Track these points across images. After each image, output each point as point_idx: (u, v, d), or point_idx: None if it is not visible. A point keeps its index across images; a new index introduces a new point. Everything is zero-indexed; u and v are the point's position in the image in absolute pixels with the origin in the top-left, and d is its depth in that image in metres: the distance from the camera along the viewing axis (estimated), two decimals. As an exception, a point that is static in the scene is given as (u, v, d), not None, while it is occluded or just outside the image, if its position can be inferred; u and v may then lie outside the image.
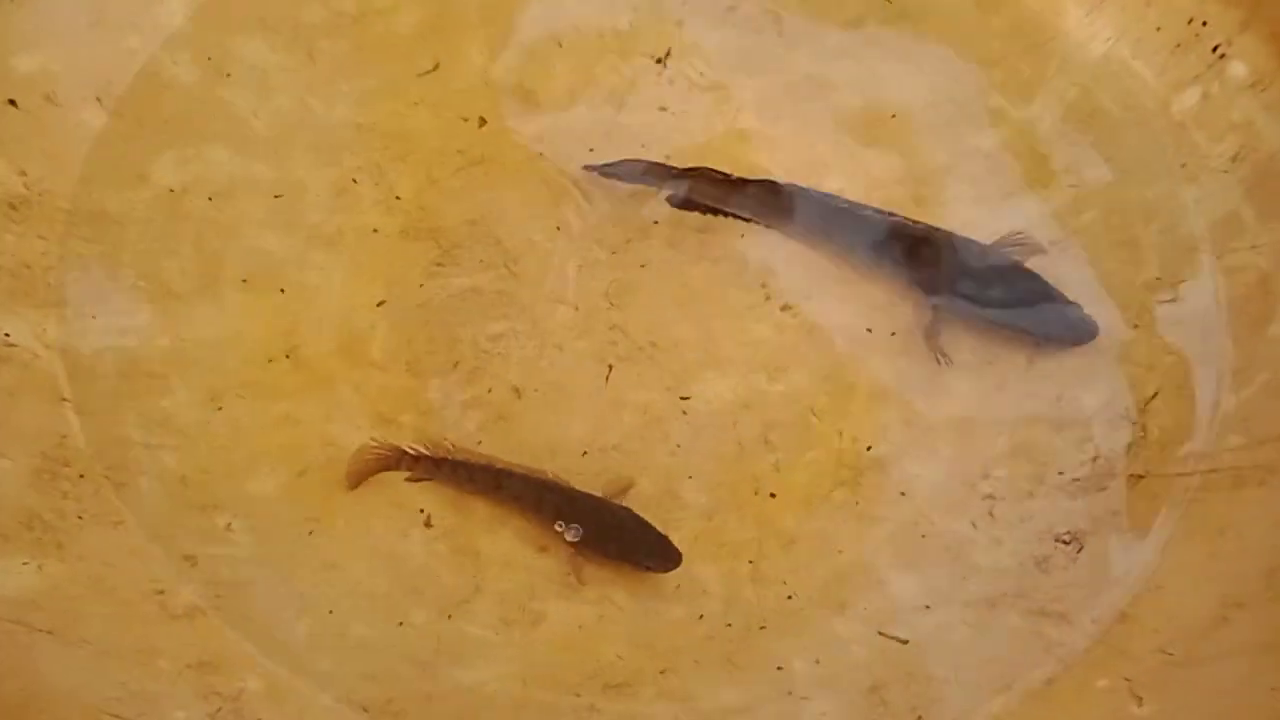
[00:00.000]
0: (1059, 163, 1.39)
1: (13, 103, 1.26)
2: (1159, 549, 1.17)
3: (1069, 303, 1.27)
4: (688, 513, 1.20)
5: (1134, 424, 1.24)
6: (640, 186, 1.34)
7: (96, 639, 1.05)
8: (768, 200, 1.33)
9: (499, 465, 1.18)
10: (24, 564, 1.07)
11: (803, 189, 1.33)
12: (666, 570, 1.14)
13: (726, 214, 1.34)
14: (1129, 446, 1.23)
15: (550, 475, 1.18)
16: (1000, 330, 1.27)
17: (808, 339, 1.29)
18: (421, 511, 1.20)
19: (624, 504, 1.18)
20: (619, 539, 1.15)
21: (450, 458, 1.18)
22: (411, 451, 1.19)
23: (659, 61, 1.42)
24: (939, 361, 1.27)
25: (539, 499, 1.17)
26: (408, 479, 1.20)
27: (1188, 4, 1.37)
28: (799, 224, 1.33)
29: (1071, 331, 1.26)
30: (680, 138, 1.38)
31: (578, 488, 1.18)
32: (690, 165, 1.33)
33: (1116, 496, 1.20)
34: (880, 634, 1.15)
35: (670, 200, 1.33)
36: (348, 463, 1.19)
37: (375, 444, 1.19)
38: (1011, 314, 1.27)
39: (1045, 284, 1.28)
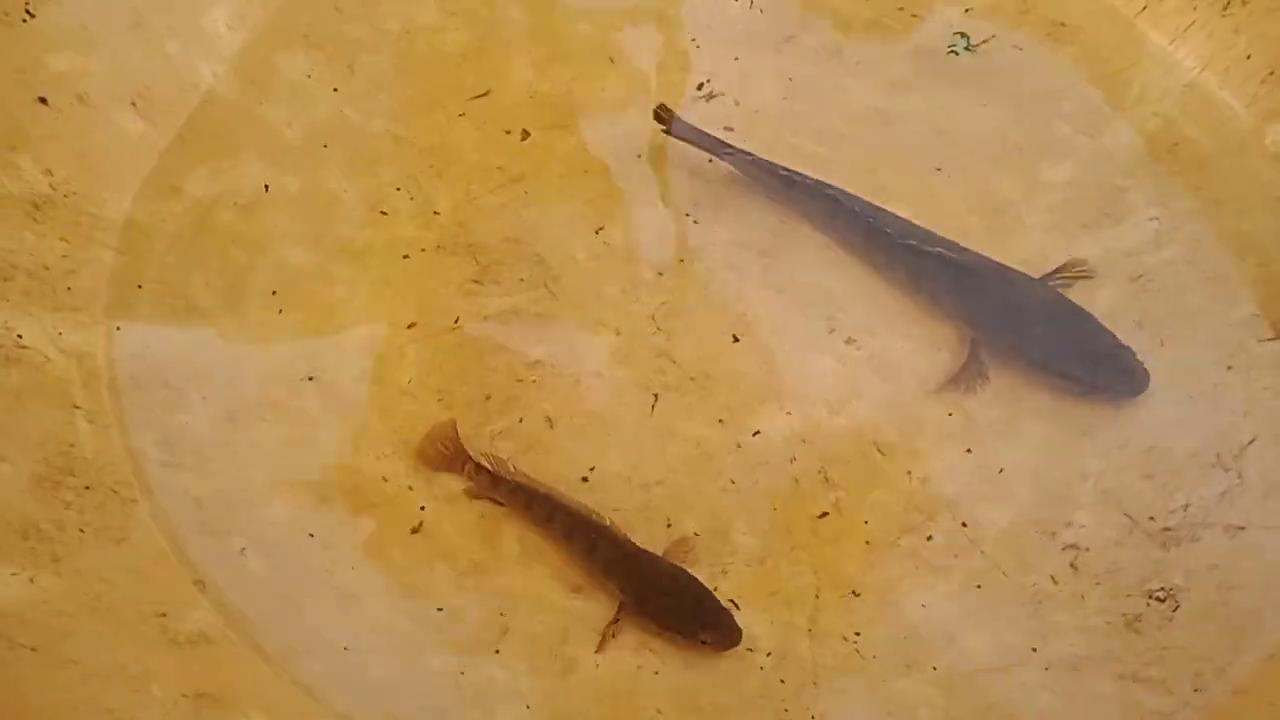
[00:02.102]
0: (1139, 195, 1.31)
1: (43, 100, 1.21)
2: (1268, 608, 1.05)
3: (1121, 347, 1.16)
4: (738, 556, 1.10)
5: (1228, 471, 1.12)
6: (703, 151, 1.29)
7: (86, 659, 0.96)
8: (814, 199, 1.25)
9: (557, 499, 1.09)
10: (13, 574, 0.99)
11: (849, 196, 1.25)
12: (724, 649, 1.03)
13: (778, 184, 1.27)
14: (1223, 495, 1.11)
15: (609, 523, 1.08)
16: (1043, 374, 1.17)
17: (874, 373, 1.20)
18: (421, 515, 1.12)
19: (683, 566, 1.08)
20: (675, 606, 1.05)
21: (511, 479, 1.10)
22: (477, 463, 1.11)
23: (704, 92, 1.35)
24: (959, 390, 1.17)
25: (591, 546, 1.07)
26: (466, 491, 1.12)
27: (1281, 29, 1.29)
28: (842, 232, 1.26)
29: (1119, 381, 1.16)
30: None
31: (636, 542, 1.08)
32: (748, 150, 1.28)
33: (1214, 548, 1.08)
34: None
35: (732, 163, 1.28)
36: (424, 435, 1.13)
37: (449, 439, 1.11)
38: (1057, 357, 1.17)
39: (1097, 324, 1.18)
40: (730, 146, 1.28)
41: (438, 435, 1.12)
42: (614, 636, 1.05)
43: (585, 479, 1.13)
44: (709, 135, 1.28)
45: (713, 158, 1.29)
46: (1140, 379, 1.15)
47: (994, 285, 1.21)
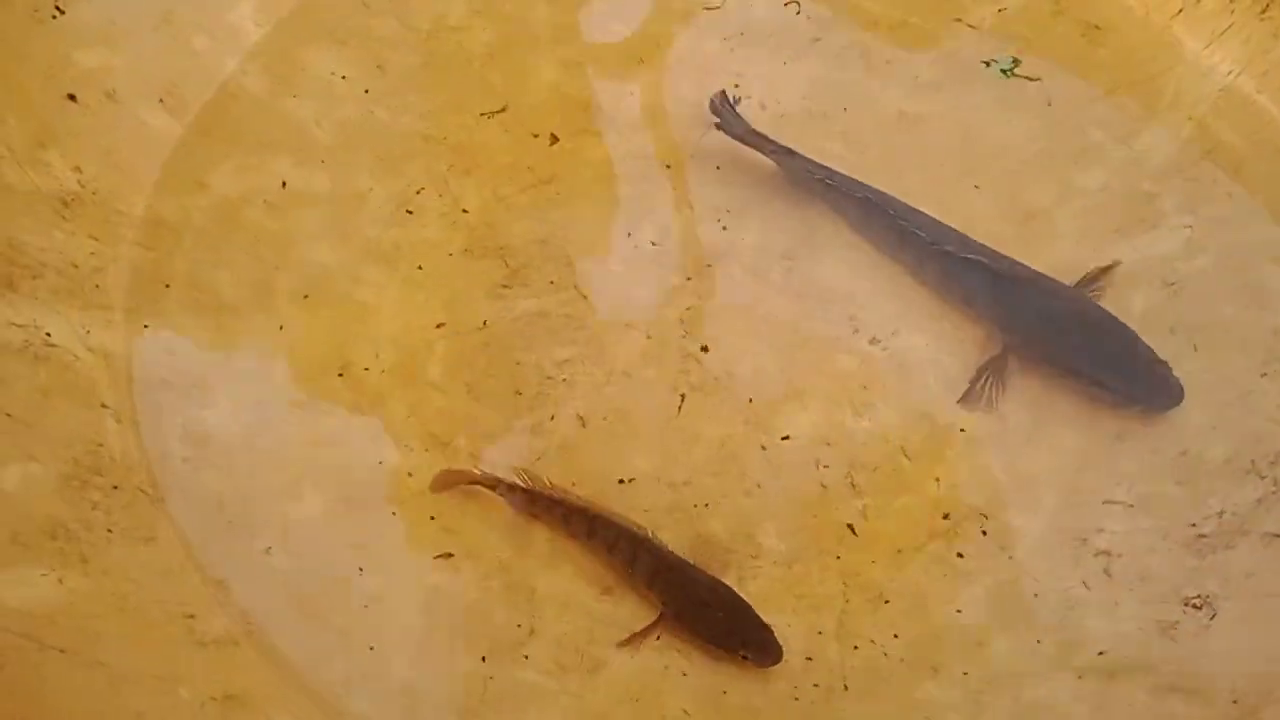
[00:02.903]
0: (1172, 201, 1.29)
1: (72, 97, 1.22)
2: (1310, 618, 1.04)
3: (1157, 361, 1.15)
4: (765, 560, 1.10)
5: (1264, 479, 1.11)
6: (741, 147, 1.29)
7: (114, 662, 0.96)
8: (850, 197, 1.25)
9: (595, 510, 1.08)
10: (42, 575, 0.99)
11: (887, 197, 1.24)
12: (765, 665, 1.02)
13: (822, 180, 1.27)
14: (1259, 502, 1.10)
15: (649, 533, 1.07)
16: (1076, 383, 1.16)
17: (898, 375, 1.19)
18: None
19: (723, 579, 1.07)
20: (716, 619, 1.04)
21: (547, 494, 1.09)
22: (510, 482, 1.09)
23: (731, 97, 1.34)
24: (982, 402, 1.16)
25: (632, 557, 1.06)
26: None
27: (1320, 33, 1.28)
28: (877, 234, 1.25)
29: (1153, 396, 1.14)
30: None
31: (677, 552, 1.07)
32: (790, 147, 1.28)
33: (1250, 556, 1.07)
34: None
35: (776, 159, 1.28)
36: (440, 472, 1.11)
37: (478, 471, 1.10)
38: (1091, 366, 1.16)
39: (1133, 336, 1.17)
40: (775, 144, 1.28)
41: (456, 471, 1.11)
42: (656, 639, 1.04)
43: (622, 481, 1.13)
44: (757, 133, 1.29)
45: (758, 156, 1.29)
46: (1175, 393, 1.14)
47: (1030, 292, 1.20)
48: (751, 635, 1.02)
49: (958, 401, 1.16)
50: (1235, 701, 1.00)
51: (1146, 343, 1.16)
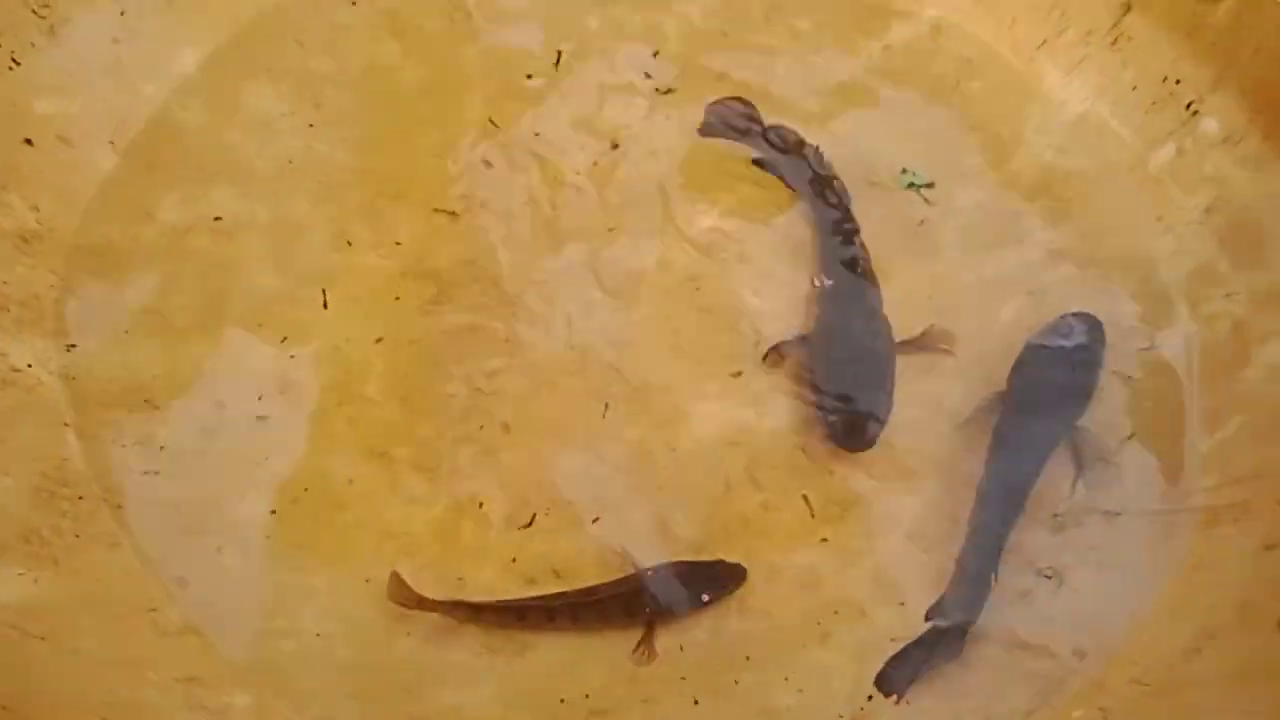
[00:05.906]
0: (1036, 218, 1.44)
1: (29, 142, 1.31)
2: (1137, 583, 1.19)
3: (866, 405, 1.27)
4: (678, 545, 1.22)
5: (1109, 464, 1.26)
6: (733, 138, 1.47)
7: (88, 649, 1.07)
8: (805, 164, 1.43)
9: (549, 602, 1.16)
10: (19, 574, 1.09)
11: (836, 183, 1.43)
12: (742, 583, 1.17)
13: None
14: (1103, 484, 1.24)
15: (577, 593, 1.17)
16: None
17: (797, 382, 1.31)
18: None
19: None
20: (687, 587, 1.17)
21: (492, 604, 1.16)
22: (447, 601, 1.15)
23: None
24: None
25: (605, 614, 1.16)
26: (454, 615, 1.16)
27: (1162, 63, 1.44)
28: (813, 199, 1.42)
29: (835, 436, 1.27)
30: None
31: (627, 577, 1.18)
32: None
33: (1094, 532, 1.22)
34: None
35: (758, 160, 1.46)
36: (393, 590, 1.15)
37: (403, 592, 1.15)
38: (828, 394, 1.29)
39: (883, 377, 1.29)
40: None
41: (392, 594, 1.15)
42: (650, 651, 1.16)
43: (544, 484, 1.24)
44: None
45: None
46: (861, 442, 1.26)
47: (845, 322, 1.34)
48: (719, 574, 1.17)
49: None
50: (1075, 654, 1.15)
51: (888, 394, 1.28)
